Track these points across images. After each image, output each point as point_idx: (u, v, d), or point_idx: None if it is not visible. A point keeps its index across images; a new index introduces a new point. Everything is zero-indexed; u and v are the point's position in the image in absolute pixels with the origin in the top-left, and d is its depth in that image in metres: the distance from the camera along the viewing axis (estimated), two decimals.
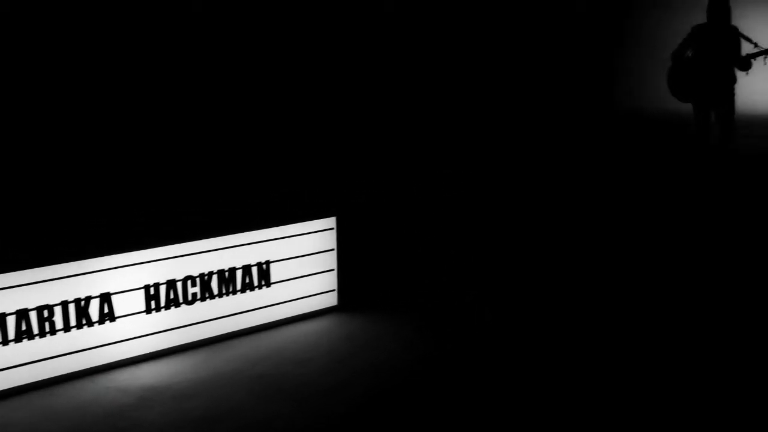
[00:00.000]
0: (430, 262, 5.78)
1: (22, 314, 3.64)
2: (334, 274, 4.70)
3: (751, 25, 8.70)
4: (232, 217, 6.21)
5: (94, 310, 3.84)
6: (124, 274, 3.93)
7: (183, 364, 4.00)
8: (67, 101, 10.04)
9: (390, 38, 13.75)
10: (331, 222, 4.67)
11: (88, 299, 3.82)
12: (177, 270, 4.11)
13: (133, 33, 11.07)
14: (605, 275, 5.46)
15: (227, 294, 4.30)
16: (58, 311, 3.73)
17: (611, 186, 8.57)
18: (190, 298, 4.17)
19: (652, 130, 13.14)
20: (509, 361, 4.04)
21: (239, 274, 4.34)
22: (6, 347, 3.62)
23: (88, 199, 7.43)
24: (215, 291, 4.25)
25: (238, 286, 4.34)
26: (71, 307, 3.77)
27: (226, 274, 4.29)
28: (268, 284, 4.45)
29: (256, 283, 4.40)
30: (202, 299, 4.21)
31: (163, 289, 4.07)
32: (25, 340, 3.66)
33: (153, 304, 4.04)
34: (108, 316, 3.89)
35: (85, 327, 3.82)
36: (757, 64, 7.26)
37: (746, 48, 7.35)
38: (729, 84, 7.39)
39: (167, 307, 4.09)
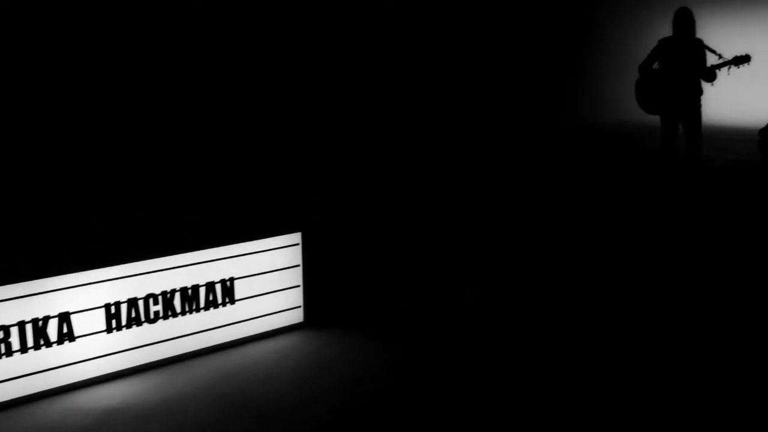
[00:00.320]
0: (399, 274, 5.73)
1: None
2: (300, 290, 4.64)
3: (715, 37, 8.80)
4: (194, 234, 6.15)
5: (52, 330, 3.76)
6: (84, 292, 3.85)
7: (145, 384, 3.92)
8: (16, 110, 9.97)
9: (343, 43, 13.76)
10: (296, 237, 4.62)
11: (46, 319, 3.73)
12: (138, 288, 4.04)
13: (120, 37, 11.05)
14: (568, 287, 5.46)
15: (190, 312, 4.23)
16: (14, 332, 3.64)
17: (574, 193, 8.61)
18: (152, 316, 4.09)
19: (616, 142, 13.25)
20: (481, 375, 4.00)
21: (203, 291, 4.27)
22: None
23: (44, 217, 7.30)
24: (178, 309, 4.18)
25: (202, 304, 4.27)
26: (28, 328, 3.68)
27: (189, 291, 4.22)
28: (233, 301, 4.38)
29: (220, 300, 4.33)
30: (165, 317, 4.14)
31: (124, 307, 3.99)
32: None
33: (114, 323, 3.96)
34: (67, 336, 3.81)
35: (44, 348, 3.74)
36: (722, 74, 7.33)
37: (711, 60, 7.44)
38: (695, 95, 7.46)
39: (129, 326, 4.01)
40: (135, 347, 4.04)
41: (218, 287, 4.32)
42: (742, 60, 7.30)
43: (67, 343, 3.81)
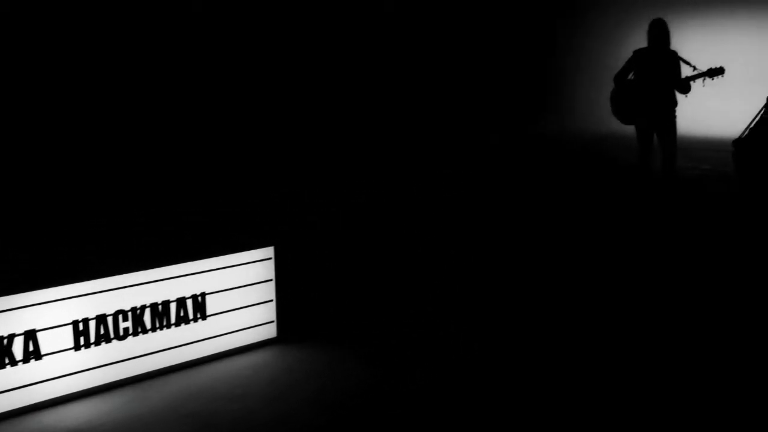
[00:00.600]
0: (378, 286, 5.68)
1: None
2: (273, 305, 4.58)
3: (690, 48, 8.84)
4: (165, 248, 6.06)
5: (18, 349, 3.68)
6: (51, 309, 3.77)
7: (114, 403, 3.84)
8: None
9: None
10: (269, 252, 4.56)
11: (11, 337, 3.65)
12: (107, 304, 3.96)
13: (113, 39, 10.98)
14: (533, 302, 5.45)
15: (161, 328, 4.16)
16: None
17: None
18: (121, 333, 4.02)
19: (590, 152, 13.31)
20: (456, 392, 3.96)
21: (173, 307, 4.20)
22: None
23: (7, 231, 7.18)
24: (148, 325, 4.11)
25: (173, 320, 4.20)
26: None
27: (160, 307, 4.15)
28: (204, 317, 4.31)
29: (191, 316, 4.26)
30: (135, 334, 4.06)
31: (92, 324, 3.91)
32: None
33: (82, 340, 3.88)
34: (33, 354, 3.73)
35: (9, 366, 3.66)
36: (696, 86, 7.37)
37: (686, 71, 7.46)
38: (670, 107, 7.48)
39: (97, 343, 3.94)
40: (103, 365, 3.96)
41: (189, 302, 4.25)
42: (716, 72, 7.34)
43: (33, 361, 3.73)
